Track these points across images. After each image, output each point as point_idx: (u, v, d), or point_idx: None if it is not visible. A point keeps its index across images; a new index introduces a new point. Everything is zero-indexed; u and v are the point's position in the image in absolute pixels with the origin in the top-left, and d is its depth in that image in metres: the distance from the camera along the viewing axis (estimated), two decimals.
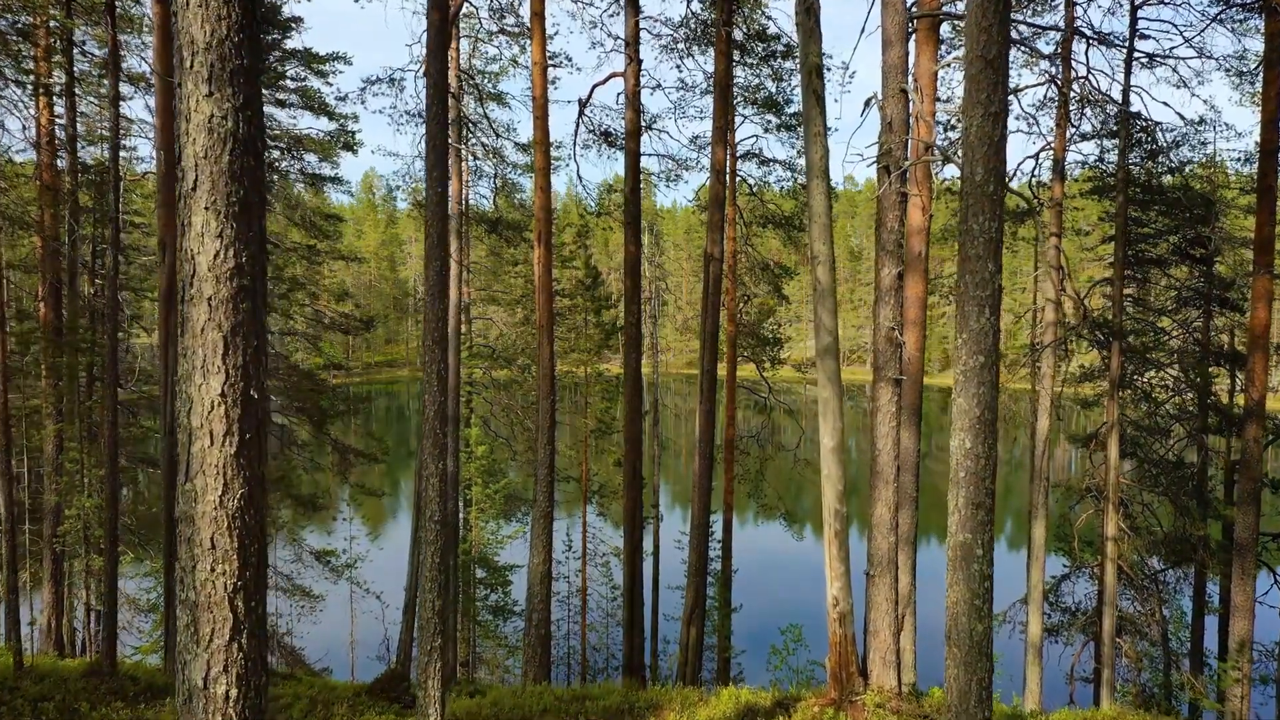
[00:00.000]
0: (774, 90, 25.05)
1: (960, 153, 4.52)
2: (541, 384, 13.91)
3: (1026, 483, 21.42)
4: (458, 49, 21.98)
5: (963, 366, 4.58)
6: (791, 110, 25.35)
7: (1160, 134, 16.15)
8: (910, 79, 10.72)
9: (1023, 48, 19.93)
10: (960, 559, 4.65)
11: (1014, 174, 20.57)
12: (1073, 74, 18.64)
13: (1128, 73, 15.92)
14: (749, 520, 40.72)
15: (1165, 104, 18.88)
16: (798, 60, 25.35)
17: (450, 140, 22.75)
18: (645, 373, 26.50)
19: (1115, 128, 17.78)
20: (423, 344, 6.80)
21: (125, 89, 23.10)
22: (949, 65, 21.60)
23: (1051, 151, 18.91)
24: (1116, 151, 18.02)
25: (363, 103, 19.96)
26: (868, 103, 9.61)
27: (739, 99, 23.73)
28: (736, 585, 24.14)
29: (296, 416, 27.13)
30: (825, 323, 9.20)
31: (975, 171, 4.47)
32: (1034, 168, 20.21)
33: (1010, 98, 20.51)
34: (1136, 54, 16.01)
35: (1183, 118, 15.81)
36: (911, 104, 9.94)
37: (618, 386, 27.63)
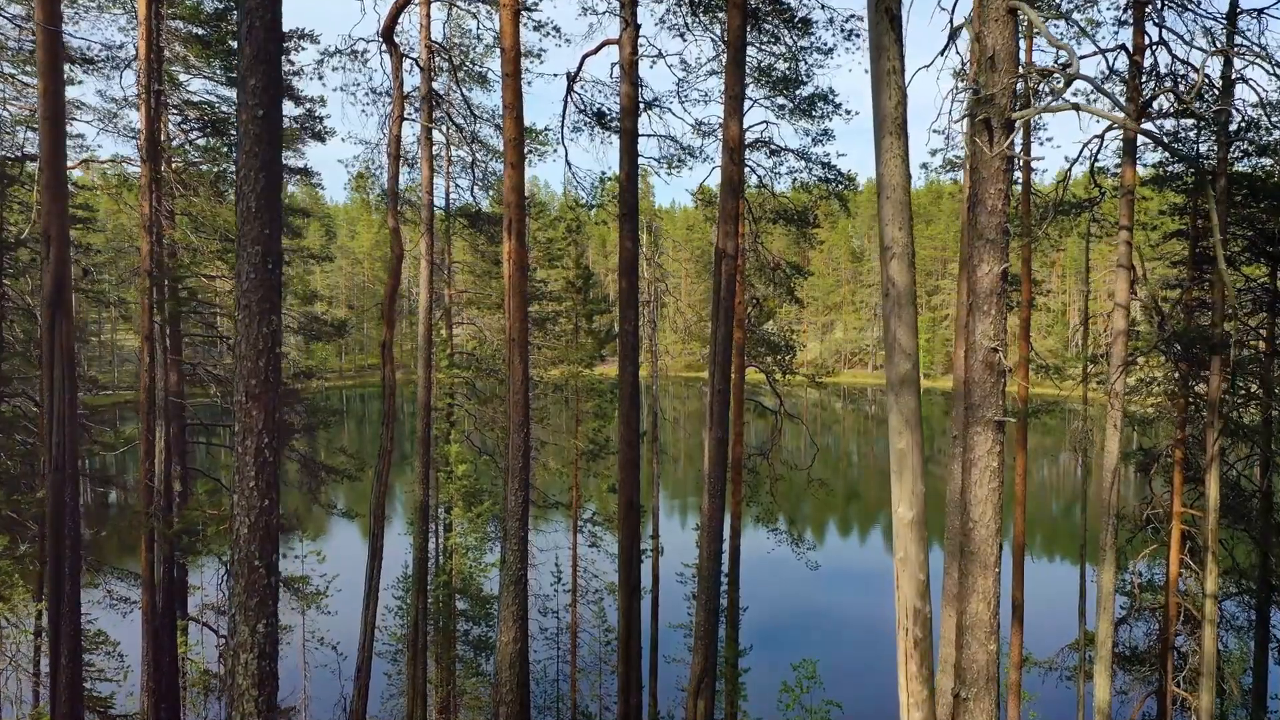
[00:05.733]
0: (787, 69, 22.35)
1: None
2: (513, 411, 10.91)
3: (1062, 509, 18.70)
4: (427, 15, 19.17)
5: None
6: (806, 93, 22.65)
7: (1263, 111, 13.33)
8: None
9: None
10: None
11: (1077, 158, 17.57)
12: (1146, 39, 15.90)
13: (1230, 35, 13.09)
14: (749, 523, 37.96)
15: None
16: (815, 35, 22.60)
17: (421, 120, 19.91)
18: (643, 374, 23.63)
19: (1203, 103, 14.92)
20: (234, 394, 4.10)
21: None
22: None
23: (1121, 131, 16.13)
24: (1196, 129, 15.20)
25: (320, 78, 17.17)
26: (956, 32, 6.75)
27: (747, 80, 20.93)
28: (740, 597, 21.24)
29: None
30: (902, 342, 6.35)
31: None
32: (1097, 150, 17.22)
33: (1066, 70, 17.77)
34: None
35: None
36: (1026, 29, 7.12)
37: (612, 398, 24.85)
